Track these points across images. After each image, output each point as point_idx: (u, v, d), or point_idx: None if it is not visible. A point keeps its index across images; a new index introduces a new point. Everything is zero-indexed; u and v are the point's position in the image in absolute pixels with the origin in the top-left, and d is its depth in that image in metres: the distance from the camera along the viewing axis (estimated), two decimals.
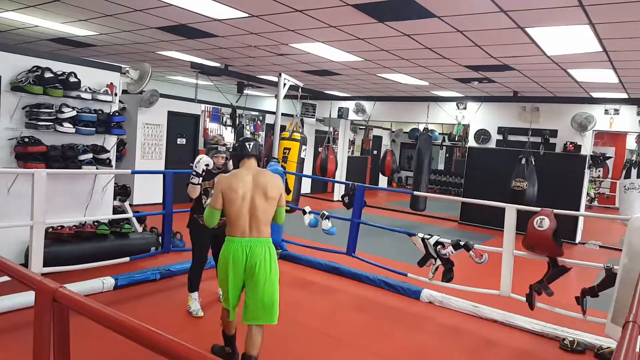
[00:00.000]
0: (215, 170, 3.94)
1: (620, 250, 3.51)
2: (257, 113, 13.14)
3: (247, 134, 13.27)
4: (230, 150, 3.39)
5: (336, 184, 12.59)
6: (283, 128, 7.33)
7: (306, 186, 12.86)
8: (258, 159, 3.07)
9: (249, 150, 3.02)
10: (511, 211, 4.32)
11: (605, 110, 8.67)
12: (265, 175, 2.97)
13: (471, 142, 10.26)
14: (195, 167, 3.76)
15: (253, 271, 2.83)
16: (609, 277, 3.65)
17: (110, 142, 5.40)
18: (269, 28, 5.84)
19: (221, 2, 4.91)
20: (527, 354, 3.86)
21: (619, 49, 5.36)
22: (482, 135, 10.06)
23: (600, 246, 7.48)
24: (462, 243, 4.42)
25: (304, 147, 6.74)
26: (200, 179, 3.82)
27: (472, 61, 6.76)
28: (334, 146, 11.26)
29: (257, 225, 2.87)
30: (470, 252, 4.35)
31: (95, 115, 5.05)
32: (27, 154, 4.57)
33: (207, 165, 3.80)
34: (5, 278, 2.27)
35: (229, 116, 12.19)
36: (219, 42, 7.03)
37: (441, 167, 17.88)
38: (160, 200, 5.19)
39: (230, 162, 3.86)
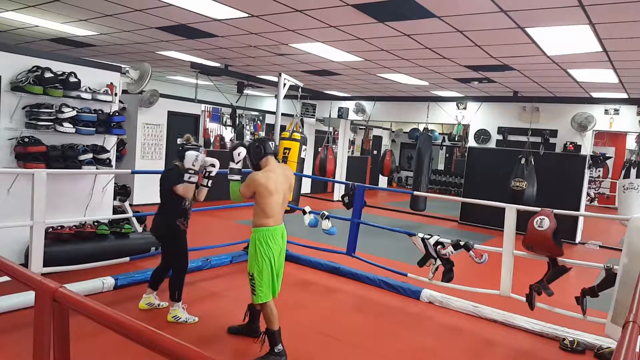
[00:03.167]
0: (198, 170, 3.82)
1: (620, 250, 3.51)
2: (257, 113, 13.15)
3: (247, 134, 13.28)
4: (250, 148, 3.42)
5: (336, 184, 12.58)
6: (283, 128, 7.32)
7: (306, 186, 12.86)
8: (276, 156, 3.44)
9: (272, 149, 3.37)
10: (511, 211, 4.32)
11: (605, 110, 8.67)
12: (288, 169, 3.50)
13: (471, 142, 10.27)
14: (193, 165, 3.70)
15: (283, 250, 3.37)
16: (609, 277, 3.65)
17: (110, 142, 5.40)
18: (269, 28, 5.84)
19: (221, 2, 4.91)
20: (527, 354, 3.86)
21: (619, 49, 5.36)
22: (482, 135, 10.06)
23: (600, 246, 7.49)
24: (462, 243, 4.41)
25: (304, 147, 6.71)
26: (197, 177, 3.77)
27: (472, 61, 6.76)
28: (333, 146, 11.26)
29: (282, 212, 3.36)
30: (470, 252, 4.35)
31: (95, 115, 5.04)
32: (27, 154, 4.56)
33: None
34: (5, 278, 2.27)
35: (229, 116, 12.21)
36: (219, 42, 7.03)
37: (441, 167, 17.88)
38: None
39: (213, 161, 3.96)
